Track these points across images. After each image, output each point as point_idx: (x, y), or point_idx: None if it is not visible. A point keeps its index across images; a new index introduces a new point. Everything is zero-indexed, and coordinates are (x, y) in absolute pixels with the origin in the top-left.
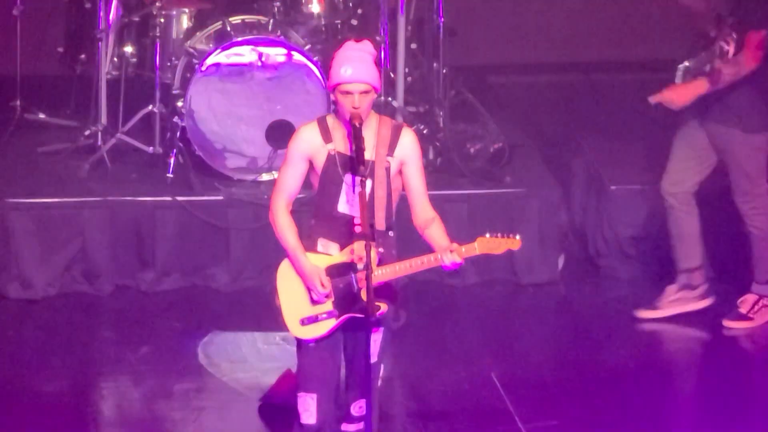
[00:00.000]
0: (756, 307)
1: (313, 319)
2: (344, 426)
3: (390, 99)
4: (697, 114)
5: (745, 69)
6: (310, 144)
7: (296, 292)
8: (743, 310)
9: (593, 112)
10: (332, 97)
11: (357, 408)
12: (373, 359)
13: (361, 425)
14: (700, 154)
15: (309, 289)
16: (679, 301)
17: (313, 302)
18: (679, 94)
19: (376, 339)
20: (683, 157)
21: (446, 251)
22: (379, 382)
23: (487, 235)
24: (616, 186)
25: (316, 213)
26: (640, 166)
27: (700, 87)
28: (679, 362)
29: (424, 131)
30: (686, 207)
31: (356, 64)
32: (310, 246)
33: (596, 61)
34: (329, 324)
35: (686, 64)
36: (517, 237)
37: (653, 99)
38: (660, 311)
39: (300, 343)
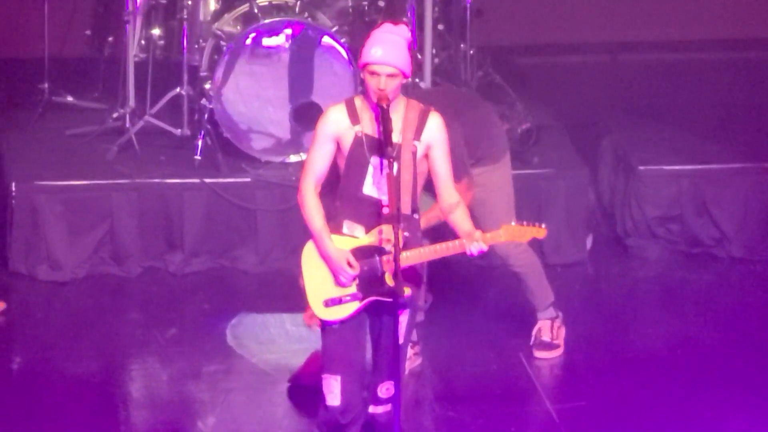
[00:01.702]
0: (554, 331)
1: (336, 301)
2: (372, 408)
3: (417, 80)
4: None
5: None
6: (337, 125)
7: (320, 273)
8: (546, 338)
9: (620, 93)
10: (361, 75)
11: (384, 390)
12: (400, 341)
13: (388, 407)
14: None
15: (334, 273)
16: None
17: (338, 284)
18: None
19: (402, 321)
20: None
21: (471, 238)
22: (407, 364)
23: (512, 223)
24: (643, 167)
25: (341, 194)
26: (667, 146)
27: None
28: (708, 343)
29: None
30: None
31: (387, 47)
32: (335, 228)
33: (623, 41)
34: (353, 306)
35: None
36: (543, 226)
37: None
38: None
39: (324, 325)
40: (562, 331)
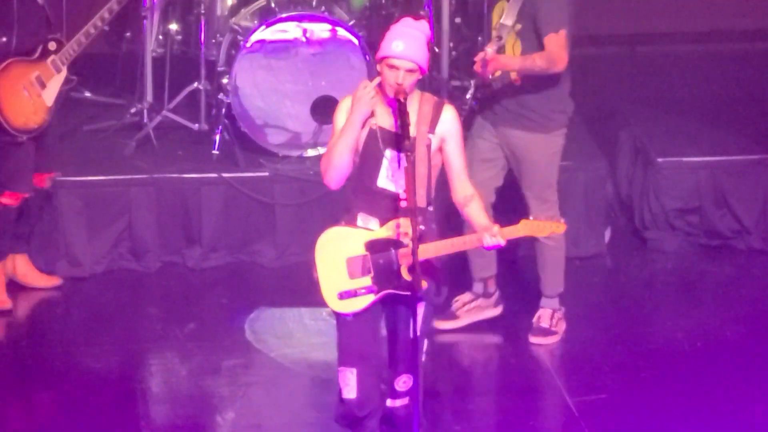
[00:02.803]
0: (554, 320)
1: (351, 294)
2: (389, 401)
3: (435, 73)
4: (489, 118)
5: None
6: None
7: (335, 265)
8: (545, 324)
9: (638, 85)
10: (378, 68)
11: (401, 383)
12: (418, 334)
13: (406, 400)
14: (493, 159)
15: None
16: (475, 309)
17: (352, 276)
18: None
19: (419, 314)
20: (479, 168)
21: (488, 232)
22: (424, 357)
23: (530, 218)
24: (662, 158)
25: (355, 187)
26: (686, 138)
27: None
28: (728, 335)
29: (467, 106)
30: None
31: (408, 41)
32: (350, 220)
33: (641, 32)
34: (367, 299)
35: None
36: (563, 221)
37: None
38: (459, 321)
39: (339, 317)
40: (562, 324)
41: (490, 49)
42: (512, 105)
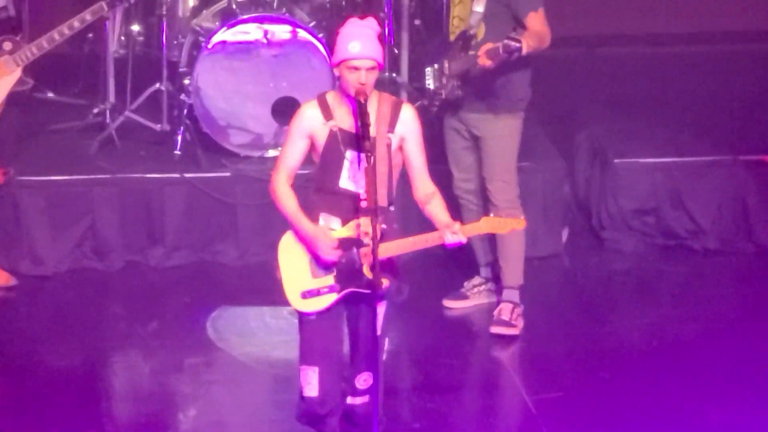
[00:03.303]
0: (514, 315)
1: (314, 293)
2: (350, 399)
3: (394, 75)
4: (458, 108)
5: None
6: (310, 122)
7: (297, 265)
8: (506, 317)
9: (596, 86)
10: (336, 72)
11: (362, 381)
12: (378, 332)
13: (366, 398)
14: (471, 146)
15: (315, 253)
16: (486, 291)
17: (314, 276)
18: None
19: (380, 313)
20: (462, 155)
21: (449, 230)
22: (384, 356)
23: (490, 215)
24: (619, 159)
25: (317, 188)
26: (643, 140)
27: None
28: (684, 334)
29: (427, 105)
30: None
31: (364, 41)
32: (312, 221)
33: (600, 34)
34: (330, 298)
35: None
36: (522, 217)
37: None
38: (468, 301)
39: (301, 316)
40: (521, 320)
41: (481, 47)
42: (481, 90)
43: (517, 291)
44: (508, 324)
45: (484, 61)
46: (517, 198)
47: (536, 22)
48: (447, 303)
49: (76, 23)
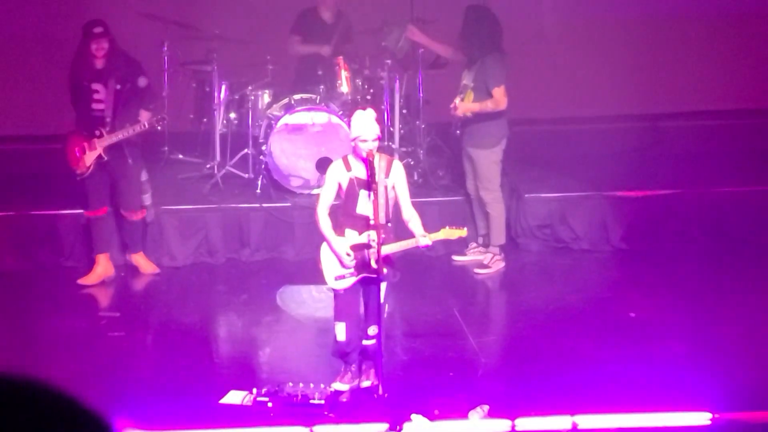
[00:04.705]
0: (492, 261)
1: (342, 277)
2: (365, 342)
3: (390, 143)
4: (461, 143)
5: (500, 107)
6: (338, 173)
7: (331, 261)
8: (486, 262)
9: (515, 147)
10: (352, 143)
11: (372, 330)
12: (381, 301)
13: (374, 341)
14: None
15: (339, 259)
16: (477, 251)
17: (342, 267)
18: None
19: (382, 289)
20: (469, 169)
21: (421, 237)
22: (385, 315)
23: (447, 227)
24: (528, 194)
25: (343, 213)
26: (543, 181)
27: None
28: (568, 300)
29: (411, 162)
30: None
31: (370, 124)
32: (339, 232)
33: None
34: (352, 280)
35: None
36: (464, 228)
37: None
38: (466, 257)
39: (335, 291)
40: (499, 263)
41: (457, 100)
42: (470, 131)
43: (497, 248)
44: (485, 266)
45: (461, 111)
46: (499, 198)
47: (498, 93)
48: (454, 258)
49: (144, 126)
